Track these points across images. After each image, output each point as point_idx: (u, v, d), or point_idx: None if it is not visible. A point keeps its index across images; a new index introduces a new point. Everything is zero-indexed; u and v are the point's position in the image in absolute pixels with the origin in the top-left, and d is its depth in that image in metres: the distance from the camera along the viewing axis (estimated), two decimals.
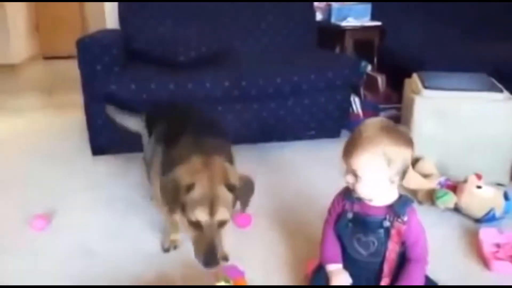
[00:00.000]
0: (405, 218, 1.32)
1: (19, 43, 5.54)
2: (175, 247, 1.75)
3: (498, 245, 1.73)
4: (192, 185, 1.38)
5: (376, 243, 1.35)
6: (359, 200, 1.37)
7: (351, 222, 1.39)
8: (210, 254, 1.36)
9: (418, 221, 1.37)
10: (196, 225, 1.39)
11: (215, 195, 1.39)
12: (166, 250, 1.74)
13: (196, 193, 1.38)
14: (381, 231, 1.34)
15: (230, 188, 1.42)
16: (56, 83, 4.84)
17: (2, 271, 1.64)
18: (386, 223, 1.33)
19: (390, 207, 1.34)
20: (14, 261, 1.69)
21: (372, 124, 1.33)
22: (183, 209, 1.41)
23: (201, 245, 1.38)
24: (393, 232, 1.33)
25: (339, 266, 1.40)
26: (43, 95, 4.30)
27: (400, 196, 1.36)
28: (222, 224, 1.41)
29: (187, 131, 1.58)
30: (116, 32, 2.93)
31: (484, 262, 1.64)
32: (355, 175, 1.29)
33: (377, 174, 1.27)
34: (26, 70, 5.50)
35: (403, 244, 1.35)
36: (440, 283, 1.43)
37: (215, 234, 1.39)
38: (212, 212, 1.37)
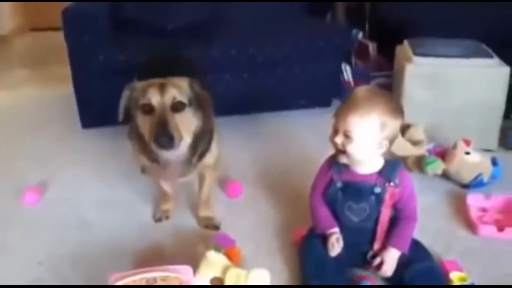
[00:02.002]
0: (397, 181, 1.36)
1: (5, 14, 5.40)
2: (166, 217, 1.77)
3: (484, 210, 1.77)
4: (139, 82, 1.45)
5: (367, 210, 1.38)
6: (346, 167, 1.38)
7: (341, 191, 1.41)
8: (161, 132, 1.34)
9: (410, 180, 1.41)
10: (149, 110, 1.39)
11: (166, 81, 1.42)
12: (158, 220, 1.76)
13: (145, 82, 1.43)
14: (372, 197, 1.37)
15: (188, 82, 1.45)
16: (45, 55, 4.75)
17: None
18: (377, 189, 1.36)
19: (379, 173, 1.37)
20: (8, 235, 1.71)
21: (368, 89, 1.41)
22: (136, 105, 1.42)
23: (153, 126, 1.37)
24: (386, 196, 1.36)
25: (336, 229, 1.42)
26: (31, 68, 4.23)
27: (386, 161, 1.39)
28: (175, 106, 1.39)
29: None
30: (103, 1, 2.86)
31: (471, 226, 1.68)
32: (346, 136, 1.31)
33: (369, 136, 1.30)
34: (12, 42, 5.38)
35: (394, 205, 1.39)
36: (428, 247, 1.46)
37: (168, 114, 1.38)
38: (162, 92, 1.38)
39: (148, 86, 1.41)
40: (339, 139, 1.33)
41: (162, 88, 1.39)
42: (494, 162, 1.96)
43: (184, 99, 1.41)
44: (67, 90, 2.74)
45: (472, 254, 1.54)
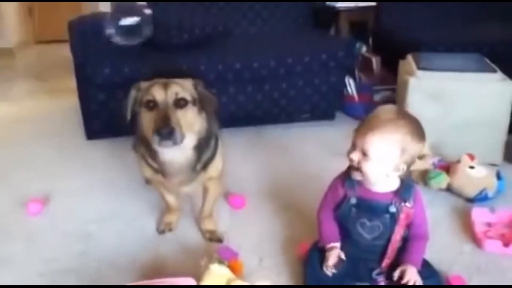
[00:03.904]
0: (412, 202, 1.34)
1: (11, 27, 5.47)
2: (170, 229, 1.76)
3: (489, 224, 1.76)
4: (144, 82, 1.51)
5: (381, 227, 1.37)
6: (360, 183, 1.36)
7: (355, 207, 1.39)
8: (162, 125, 1.36)
9: (422, 201, 1.39)
10: (153, 107, 1.42)
11: (169, 80, 1.47)
12: (161, 232, 1.76)
13: (150, 82, 1.48)
14: (387, 216, 1.35)
15: (192, 83, 1.51)
16: (50, 67, 4.80)
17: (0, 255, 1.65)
18: (392, 208, 1.35)
19: (396, 193, 1.35)
20: (11, 245, 1.70)
21: (393, 110, 1.34)
22: (140, 103, 1.45)
23: (156, 120, 1.39)
24: (401, 216, 1.34)
25: (336, 244, 1.41)
26: (37, 80, 4.27)
27: (403, 181, 1.36)
28: (178, 102, 1.43)
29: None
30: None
31: (476, 241, 1.66)
32: (364, 154, 1.28)
33: (387, 158, 1.27)
34: (19, 54, 5.44)
35: (408, 225, 1.37)
36: (433, 263, 1.45)
37: (170, 109, 1.41)
38: (165, 89, 1.42)
39: (152, 84, 1.46)
40: (355, 156, 1.30)
41: (165, 85, 1.44)
42: (498, 176, 1.95)
43: (187, 96, 1.45)
44: (72, 101, 2.76)
45: (477, 269, 1.53)
